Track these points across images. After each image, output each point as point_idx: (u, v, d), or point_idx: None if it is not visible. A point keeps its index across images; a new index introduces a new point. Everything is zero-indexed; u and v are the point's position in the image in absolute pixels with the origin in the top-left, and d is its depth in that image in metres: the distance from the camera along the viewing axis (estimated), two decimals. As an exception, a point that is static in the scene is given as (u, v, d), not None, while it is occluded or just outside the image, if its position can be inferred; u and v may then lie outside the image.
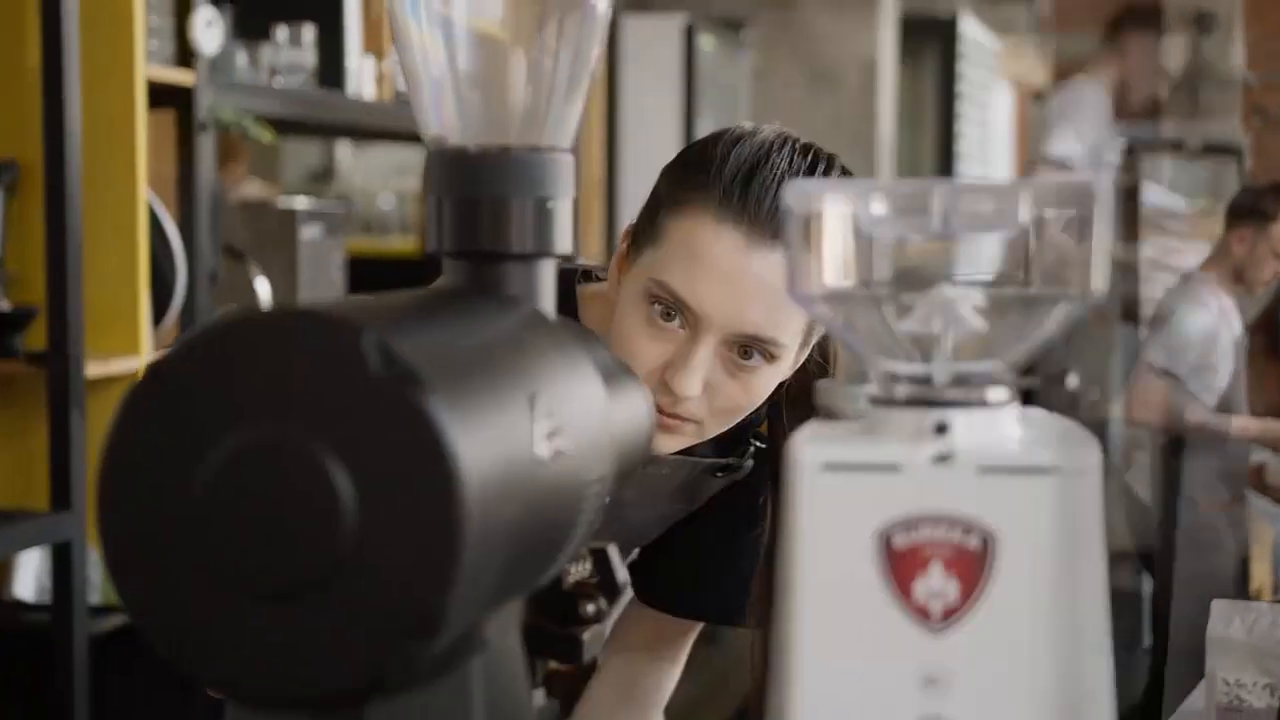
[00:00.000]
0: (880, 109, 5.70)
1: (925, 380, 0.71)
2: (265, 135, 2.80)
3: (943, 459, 0.68)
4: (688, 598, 1.49)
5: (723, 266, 1.23)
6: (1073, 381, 3.36)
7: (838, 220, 0.71)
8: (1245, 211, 4.28)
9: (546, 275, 0.82)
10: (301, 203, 3.15)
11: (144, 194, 2.52)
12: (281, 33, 3.04)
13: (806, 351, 1.33)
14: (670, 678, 1.52)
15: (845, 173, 1.34)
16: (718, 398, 1.27)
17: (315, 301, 0.66)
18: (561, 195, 0.82)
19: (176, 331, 2.71)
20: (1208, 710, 1.93)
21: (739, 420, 1.31)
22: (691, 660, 1.55)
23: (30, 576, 2.60)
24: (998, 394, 0.71)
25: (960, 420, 0.69)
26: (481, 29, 0.81)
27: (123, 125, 2.49)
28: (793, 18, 5.53)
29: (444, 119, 0.82)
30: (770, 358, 1.26)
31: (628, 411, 0.84)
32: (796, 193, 0.71)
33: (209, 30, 2.66)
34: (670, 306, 1.25)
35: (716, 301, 1.24)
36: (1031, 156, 4.39)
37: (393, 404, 0.60)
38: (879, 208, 0.70)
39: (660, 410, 1.26)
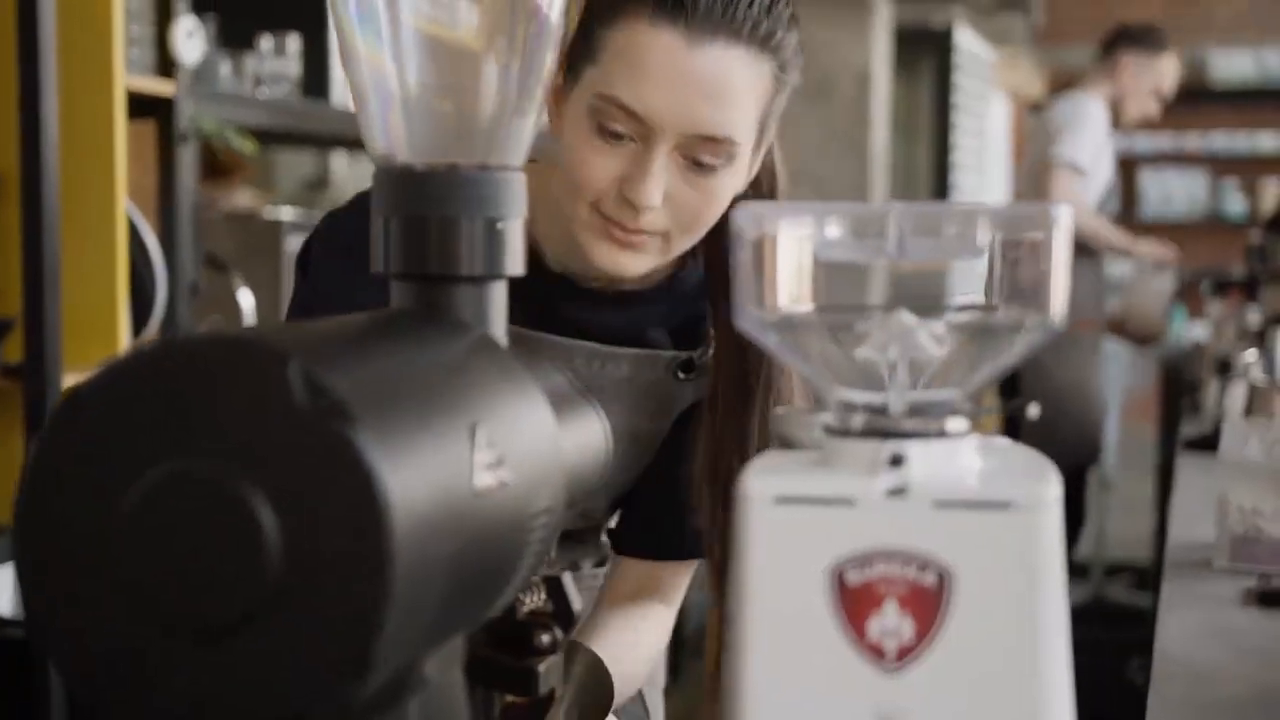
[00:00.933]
0: (874, 119, 5.67)
1: (881, 409, 0.69)
2: (247, 146, 2.78)
3: (897, 493, 0.66)
4: (666, 538, 1.46)
5: (665, 68, 1.21)
6: (1033, 411, 3.36)
7: (791, 243, 0.68)
8: (1136, 40, 4.42)
9: (498, 297, 0.79)
10: (288, 213, 3.12)
11: (123, 205, 2.49)
12: (266, 42, 3.02)
13: (761, 155, 1.32)
14: (665, 625, 1.47)
15: None
16: (679, 207, 1.25)
17: (250, 327, 0.64)
18: (512, 215, 0.79)
19: (156, 344, 2.68)
20: (1220, 539, 1.78)
21: (701, 233, 1.29)
22: (690, 673, 1.50)
23: (7, 590, 2.57)
24: (956, 424, 0.68)
25: (917, 452, 0.67)
26: (429, 43, 0.79)
27: (102, 135, 2.46)
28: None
29: (391, 136, 0.80)
30: (727, 159, 1.24)
31: (580, 436, 0.81)
32: (747, 216, 0.68)
33: (190, 40, 2.63)
34: (617, 120, 1.23)
35: (664, 104, 1.21)
36: (1039, 159, 4.41)
37: (319, 437, 0.58)
38: (833, 231, 0.68)
39: (623, 227, 1.25)
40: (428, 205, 0.78)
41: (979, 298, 0.69)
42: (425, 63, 0.79)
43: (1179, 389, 4.62)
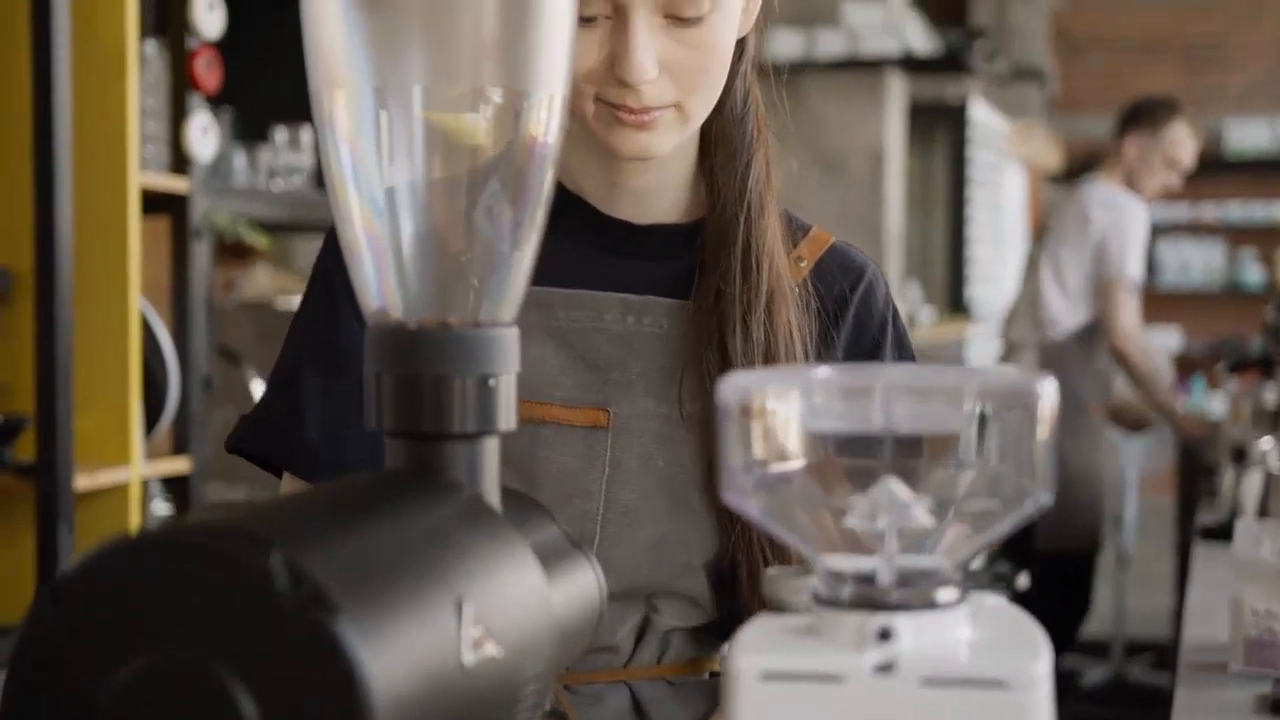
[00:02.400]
0: (888, 197, 5.69)
1: (870, 578, 0.68)
2: (260, 241, 2.80)
3: (885, 669, 0.65)
4: None
5: None
6: (1022, 582, 3.39)
7: (777, 413, 0.68)
8: (1138, 118, 4.41)
9: (490, 454, 0.79)
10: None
11: (136, 302, 2.50)
12: (280, 134, 3.04)
13: None
14: None
15: None
16: (678, 72, 1.17)
17: (235, 507, 0.64)
18: (504, 371, 0.79)
19: (170, 440, 2.69)
20: (1233, 642, 1.75)
21: (713, 94, 1.20)
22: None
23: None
24: (946, 594, 0.68)
25: (905, 625, 0.66)
26: (424, 200, 0.79)
27: (116, 233, 2.48)
28: (801, 106, 5.53)
29: (384, 292, 0.80)
30: (711, 4, 1.16)
31: (571, 591, 0.81)
32: (733, 385, 0.68)
33: (204, 137, 2.66)
34: (583, 2, 1.15)
35: None
36: (1108, 276, 4.38)
37: (301, 627, 0.58)
38: (819, 400, 0.68)
39: (630, 110, 1.17)
40: (420, 364, 0.78)
41: (969, 467, 0.69)
42: (419, 220, 0.79)
43: (1196, 468, 4.59)
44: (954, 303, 7.29)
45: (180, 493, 2.74)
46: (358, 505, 0.71)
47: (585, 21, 1.17)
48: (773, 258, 1.26)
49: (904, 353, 1.34)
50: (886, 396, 0.67)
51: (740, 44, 1.26)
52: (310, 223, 3.23)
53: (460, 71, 0.78)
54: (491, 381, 0.79)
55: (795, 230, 1.33)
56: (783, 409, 0.68)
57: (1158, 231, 10.06)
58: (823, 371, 0.70)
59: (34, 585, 2.34)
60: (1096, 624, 6.18)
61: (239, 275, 3.69)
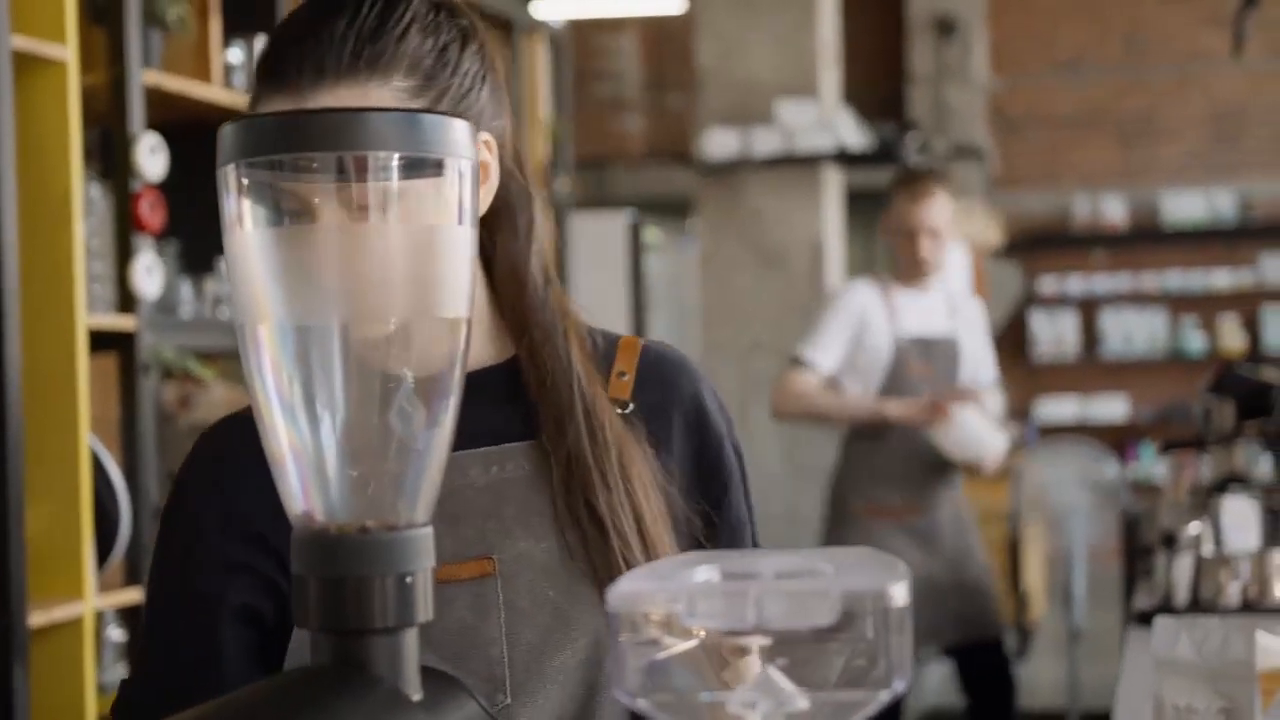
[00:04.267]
0: (829, 287, 5.80)
1: (753, 762, 0.75)
2: (206, 374, 2.86)
3: None
4: None
5: None
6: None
7: (661, 614, 0.76)
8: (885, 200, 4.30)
9: (409, 644, 0.86)
10: (250, 423, 3.18)
11: (86, 439, 2.56)
12: (224, 265, 3.11)
13: (483, 165, 1.27)
14: None
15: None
16: None
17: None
18: (420, 568, 0.87)
19: (122, 571, 2.73)
20: None
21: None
22: None
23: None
24: (822, 775, 0.75)
25: (783, 806, 0.73)
26: (344, 419, 0.87)
27: (65, 373, 2.54)
28: (738, 200, 5.65)
29: (308, 499, 0.87)
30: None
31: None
32: (620, 594, 0.76)
33: (149, 276, 2.73)
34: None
35: None
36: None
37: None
38: (700, 605, 0.75)
39: None
40: (342, 566, 0.85)
41: (837, 658, 0.76)
42: (337, 434, 0.87)
43: (1137, 544, 4.67)
44: (900, 384, 7.39)
45: (133, 622, 2.78)
46: (286, 708, 0.78)
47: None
48: (593, 403, 1.30)
49: (726, 424, 1.40)
50: (759, 600, 0.75)
51: (526, 214, 1.32)
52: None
53: (373, 304, 0.86)
54: (409, 579, 0.86)
55: (607, 346, 1.38)
56: (667, 611, 0.76)
57: (1101, 301, 10.24)
58: (701, 574, 0.77)
59: (-9, 723, 2.38)
60: (1050, 696, 6.25)
61: (195, 392, 3.74)
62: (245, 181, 0.87)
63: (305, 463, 0.87)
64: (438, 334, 0.88)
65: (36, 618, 2.44)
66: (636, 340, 1.39)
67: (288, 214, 0.88)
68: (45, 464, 2.52)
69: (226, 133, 0.87)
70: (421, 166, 0.87)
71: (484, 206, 1.29)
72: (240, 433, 1.31)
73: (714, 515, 1.35)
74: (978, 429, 4.06)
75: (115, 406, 2.74)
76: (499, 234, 1.33)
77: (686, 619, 0.76)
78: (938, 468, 4.19)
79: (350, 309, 0.86)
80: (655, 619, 0.76)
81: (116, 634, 2.98)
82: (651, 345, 1.39)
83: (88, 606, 2.56)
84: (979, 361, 4.25)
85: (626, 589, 0.76)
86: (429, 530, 0.88)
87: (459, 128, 0.88)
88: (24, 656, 2.38)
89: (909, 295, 4.19)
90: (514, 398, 1.33)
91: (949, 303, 4.26)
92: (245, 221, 0.87)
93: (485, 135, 1.28)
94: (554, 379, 1.31)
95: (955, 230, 8.48)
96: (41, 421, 2.52)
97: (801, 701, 0.75)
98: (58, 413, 2.53)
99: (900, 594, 0.73)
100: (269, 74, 1.22)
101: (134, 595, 2.74)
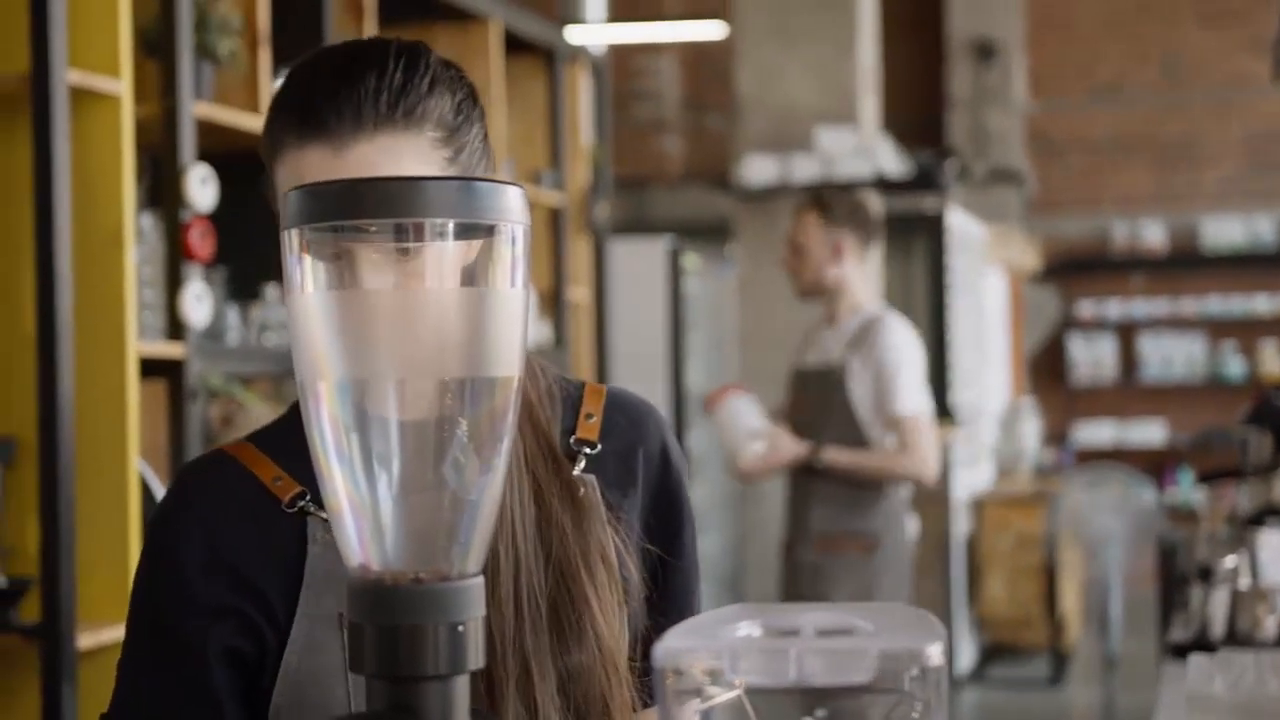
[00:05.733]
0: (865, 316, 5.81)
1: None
2: (253, 400, 2.91)
3: None
4: None
5: (315, 177, 1.22)
6: None
7: (706, 673, 0.79)
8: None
9: (460, 690, 0.90)
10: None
11: (135, 465, 2.61)
12: (272, 291, 3.17)
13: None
14: None
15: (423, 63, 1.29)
16: None
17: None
18: (472, 616, 0.90)
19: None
20: None
21: None
22: None
23: None
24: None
25: None
26: (401, 474, 0.90)
27: (115, 401, 2.59)
28: (777, 227, 5.68)
29: (365, 549, 0.91)
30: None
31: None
32: (665, 650, 0.79)
33: (199, 304, 2.78)
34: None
35: None
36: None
37: None
38: (743, 662, 0.78)
39: None
40: (397, 615, 0.89)
41: (878, 709, 0.79)
42: (394, 489, 0.90)
43: (1173, 571, 4.66)
44: (938, 408, 7.40)
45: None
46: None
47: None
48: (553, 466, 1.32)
49: (684, 468, 1.43)
50: (800, 654, 0.78)
51: None
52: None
53: (428, 365, 0.89)
54: (460, 627, 0.89)
55: (573, 390, 1.41)
56: (711, 667, 0.79)
57: (1140, 326, 10.23)
58: (743, 629, 0.80)
59: (40, 744, 2.43)
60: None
61: (236, 411, 3.80)
62: (307, 244, 0.91)
63: (362, 515, 0.90)
64: (490, 391, 0.91)
65: (85, 640, 2.49)
66: (602, 386, 1.42)
67: (347, 276, 0.92)
68: (95, 488, 2.57)
69: (291, 199, 0.91)
70: (475, 231, 0.91)
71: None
72: (222, 471, 1.34)
73: (666, 554, 1.39)
74: (734, 428, 3.99)
75: (163, 432, 2.79)
76: None
77: (729, 675, 0.79)
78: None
79: (406, 368, 0.90)
80: (700, 671, 0.80)
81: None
82: (616, 389, 1.43)
83: (135, 629, 2.60)
84: (883, 393, 4.06)
85: (671, 646, 0.79)
86: (480, 580, 0.91)
87: (512, 194, 0.91)
88: (72, 677, 2.43)
89: (819, 327, 4.23)
90: None
91: (858, 331, 4.16)
92: (307, 283, 0.91)
93: None
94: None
95: (992, 256, 8.46)
96: (93, 446, 2.56)
97: (839, 753, 0.78)
98: (108, 438, 2.58)
99: (936, 653, 0.76)
100: (305, 121, 1.25)
101: (179, 618, 2.79)
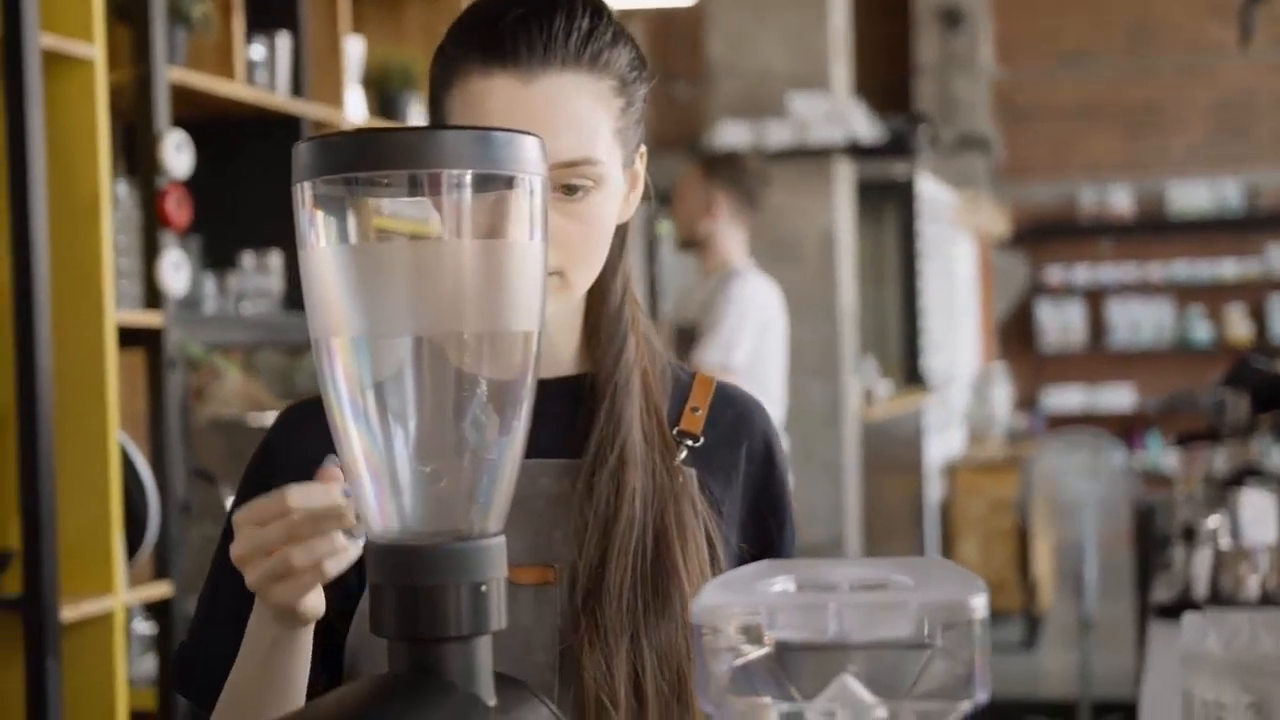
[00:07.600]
0: (841, 279, 5.81)
1: (829, 771, 0.77)
2: (231, 369, 2.88)
3: None
4: None
5: (505, 109, 1.22)
6: None
7: (743, 629, 0.77)
8: None
9: (484, 651, 0.88)
10: (271, 418, 3.20)
11: (115, 435, 2.58)
12: (248, 260, 3.13)
13: (638, 177, 1.31)
14: None
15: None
16: (560, 241, 1.22)
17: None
18: (494, 576, 0.88)
19: (151, 565, 2.75)
20: None
21: (595, 264, 1.26)
22: None
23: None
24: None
25: (860, 813, 0.75)
26: (418, 429, 0.88)
27: (94, 370, 2.55)
28: (752, 193, 5.65)
29: (383, 511, 0.89)
30: (595, 181, 1.24)
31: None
32: (702, 606, 0.77)
33: (176, 272, 2.74)
34: None
35: None
36: None
37: None
38: (781, 618, 0.77)
39: None
40: (417, 575, 0.87)
41: (916, 669, 0.77)
42: (412, 445, 0.88)
43: (1150, 534, 4.67)
44: (910, 374, 7.41)
45: (162, 614, 2.80)
46: (363, 714, 0.79)
47: None
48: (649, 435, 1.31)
49: (787, 471, 1.42)
50: (839, 608, 0.76)
51: (621, 234, 1.32)
52: (278, 342, 3.32)
53: (445, 320, 0.87)
54: (483, 587, 0.88)
55: (685, 379, 1.39)
56: (748, 623, 0.77)
57: (1108, 291, 10.26)
58: (778, 584, 0.79)
59: (24, 716, 2.40)
60: (1060, 685, 6.27)
61: (210, 382, 3.76)
62: (319, 198, 0.88)
63: (380, 474, 0.88)
64: (509, 347, 0.89)
65: (68, 612, 2.46)
66: (711, 378, 1.40)
67: (360, 229, 0.90)
68: (76, 460, 2.54)
69: (300, 151, 0.88)
70: (493, 182, 0.89)
71: (628, 214, 1.32)
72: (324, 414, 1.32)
73: (764, 554, 1.35)
74: None
75: (142, 402, 2.75)
76: None
77: (767, 630, 0.77)
78: None
79: (422, 323, 0.88)
80: (736, 628, 0.78)
81: (144, 627, 3.00)
82: (725, 384, 1.41)
83: (118, 601, 2.58)
84: (706, 344, 4.03)
85: (708, 601, 0.77)
86: (501, 540, 0.89)
87: (530, 144, 0.89)
88: (56, 650, 2.40)
89: (698, 285, 4.28)
90: (574, 410, 1.33)
91: (714, 286, 4.16)
92: (319, 237, 0.89)
93: (643, 148, 1.32)
94: (612, 400, 1.31)
95: (962, 222, 8.44)
96: (72, 418, 2.53)
97: (880, 711, 0.77)
98: (88, 409, 2.55)
99: (981, 605, 0.75)
100: (493, 49, 1.24)
101: (163, 589, 2.76)
